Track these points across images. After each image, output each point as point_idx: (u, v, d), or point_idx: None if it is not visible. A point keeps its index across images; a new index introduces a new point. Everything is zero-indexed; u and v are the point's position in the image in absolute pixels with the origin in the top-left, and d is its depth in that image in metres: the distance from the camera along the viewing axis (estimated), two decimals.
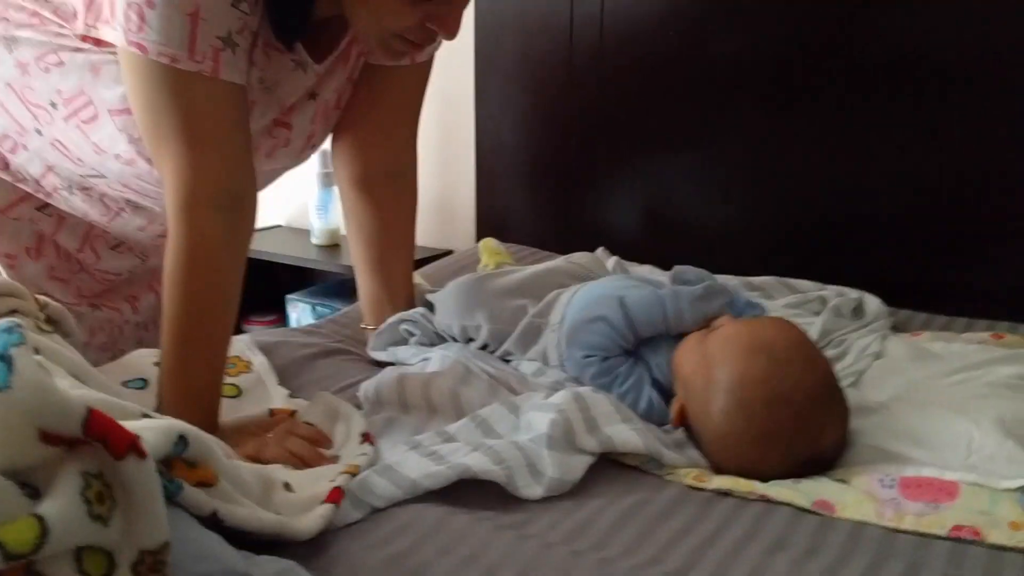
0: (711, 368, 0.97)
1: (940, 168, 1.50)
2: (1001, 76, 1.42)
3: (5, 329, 0.50)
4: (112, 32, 0.93)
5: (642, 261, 1.65)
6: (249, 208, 1.02)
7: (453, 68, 1.91)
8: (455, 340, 1.25)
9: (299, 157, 1.22)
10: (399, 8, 0.94)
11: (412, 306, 1.32)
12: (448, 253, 2.01)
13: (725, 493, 0.89)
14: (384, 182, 1.30)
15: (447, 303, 1.25)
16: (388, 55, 1.07)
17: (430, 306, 1.29)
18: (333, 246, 2.16)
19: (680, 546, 0.79)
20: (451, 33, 0.98)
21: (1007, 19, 1.41)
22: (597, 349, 1.08)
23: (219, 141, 0.97)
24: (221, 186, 0.97)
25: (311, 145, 1.21)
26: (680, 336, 1.07)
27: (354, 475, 0.87)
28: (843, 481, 0.90)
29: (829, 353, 1.21)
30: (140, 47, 0.90)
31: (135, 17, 0.89)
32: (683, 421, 1.01)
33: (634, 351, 1.10)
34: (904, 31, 1.49)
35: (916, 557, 0.77)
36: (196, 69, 0.92)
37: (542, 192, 1.96)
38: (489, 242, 1.67)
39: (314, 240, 2.18)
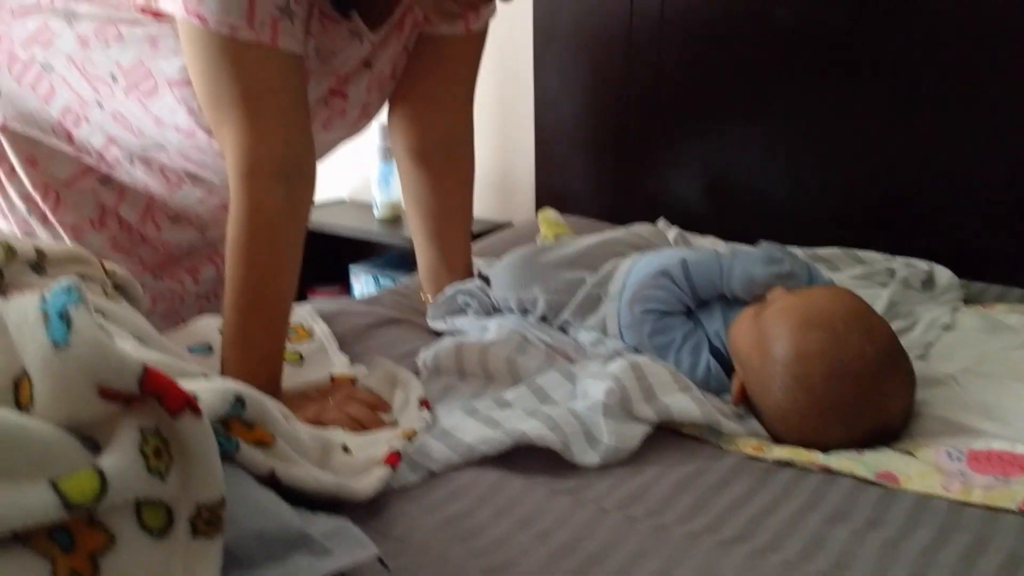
0: (768, 344, 0.94)
1: (1012, 135, 1.44)
2: None
3: (65, 289, 0.51)
4: (171, 3, 0.94)
5: (704, 233, 1.63)
6: (309, 177, 1.03)
7: (511, 41, 1.90)
8: (512, 312, 1.25)
9: (355, 127, 1.22)
10: None
11: (470, 276, 1.33)
12: (507, 226, 2.01)
13: (785, 463, 0.88)
14: (440, 153, 1.30)
15: (503, 277, 1.25)
16: (443, 16, 1.06)
17: (486, 280, 1.30)
18: (395, 219, 2.18)
19: (737, 515, 0.78)
20: None
21: None
22: (656, 302, 1.07)
23: (279, 111, 0.97)
24: (281, 155, 0.97)
25: (367, 115, 1.22)
26: (740, 306, 1.05)
27: (411, 439, 0.88)
28: (909, 453, 0.87)
29: (897, 324, 1.18)
30: (200, 17, 0.91)
31: None
32: (744, 399, 0.99)
33: (694, 315, 1.08)
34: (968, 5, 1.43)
35: (983, 531, 0.74)
36: (255, 39, 0.92)
37: (601, 164, 1.94)
38: (548, 212, 1.66)
39: (376, 213, 2.20)
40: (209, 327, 1.15)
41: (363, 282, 2.18)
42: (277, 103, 0.97)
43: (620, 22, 1.80)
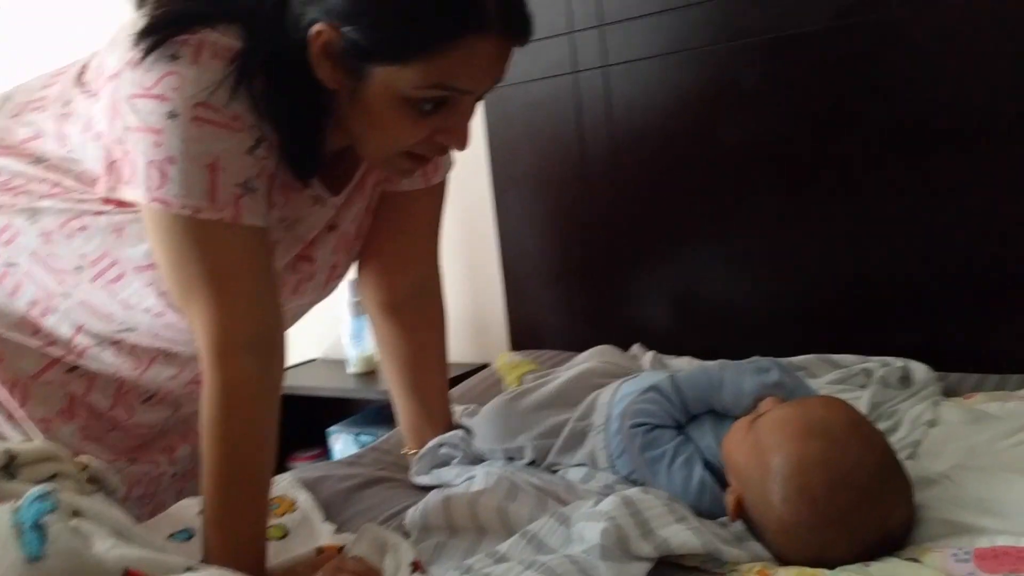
0: (765, 455, 0.93)
1: (965, 225, 1.48)
2: (1008, 125, 1.42)
3: (37, 497, 0.50)
4: (134, 191, 0.95)
5: (679, 353, 1.64)
6: (280, 349, 1.02)
7: (470, 183, 1.95)
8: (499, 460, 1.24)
9: (325, 289, 1.23)
10: (405, 124, 0.95)
11: (451, 427, 1.31)
12: (484, 367, 2.01)
13: None
14: (412, 304, 1.31)
15: (485, 429, 1.25)
16: (398, 173, 1.08)
17: (467, 431, 1.29)
18: (370, 373, 2.17)
19: None
20: (461, 144, 0.99)
21: (1006, 73, 1.41)
22: (646, 416, 1.07)
23: (247, 285, 0.98)
24: (252, 330, 0.97)
25: (335, 276, 1.23)
26: (729, 420, 1.05)
27: None
28: (915, 560, 0.85)
29: (881, 426, 1.18)
30: (163, 202, 0.92)
31: (157, 174, 0.92)
32: (741, 513, 0.97)
33: (683, 430, 1.07)
34: (906, 98, 1.50)
35: None
36: (218, 217, 0.94)
37: (571, 296, 1.96)
38: (506, 357, 1.65)
39: (350, 369, 2.19)
40: (189, 511, 1.12)
41: (342, 441, 2.15)
42: (245, 279, 0.98)
43: (573, 156, 1.86)
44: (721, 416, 1.08)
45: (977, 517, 0.88)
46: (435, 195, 1.28)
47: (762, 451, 0.94)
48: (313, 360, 2.38)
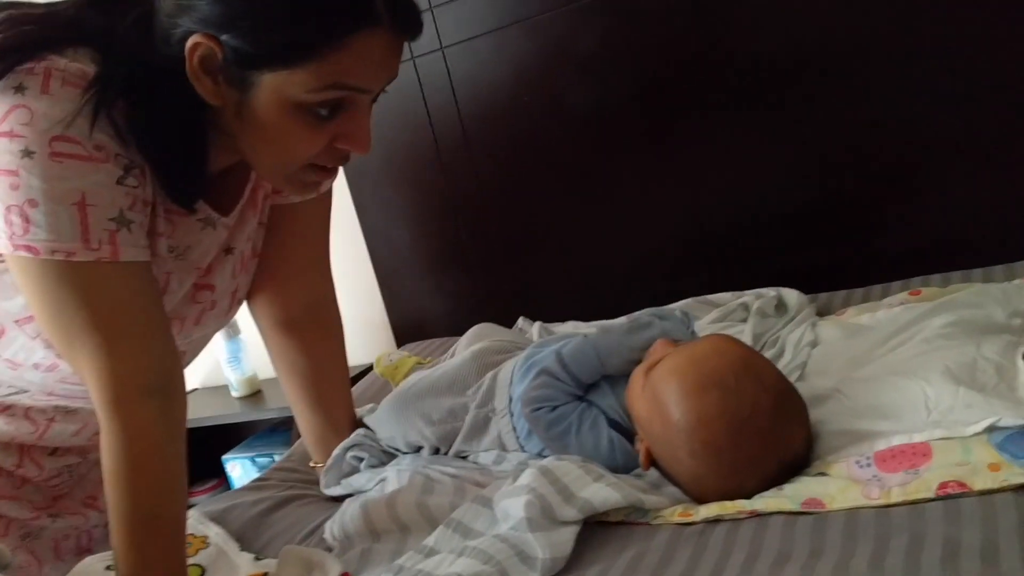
0: (665, 410, 0.95)
1: (810, 146, 1.55)
2: (855, 60, 1.48)
3: None
4: None
5: (563, 318, 1.65)
6: (179, 388, 0.96)
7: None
8: (404, 453, 1.23)
9: (227, 316, 1.16)
10: (302, 132, 0.88)
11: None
12: (372, 367, 1.98)
13: (715, 520, 0.88)
14: (307, 318, 1.27)
15: (384, 421, 1.23)
16: (301, 188, 0.99)
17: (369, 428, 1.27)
18: (254, 394, 2.11)
19: None
20: (364, 147, 0.92)
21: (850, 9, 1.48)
22: (544, 401, 1.07)
23: (135, 326, 0.91)
24: (148, 373, 0.90)
25: (236, 300, 1.17)
26: (625, 377, 1.07)
27: None
28: (823, 474, 0.90)
29: (767, 354, 1.22)
30: (30, 249, 0.85)
31: (18, 220, 0.84)
32: (653, 463, 0.99)
33: (583, 398, 1.09)
34: (752, 39, 1.54)
35: (916, 527, 0.77)
36: (95, 258, 0.86)
37: (447, 282, 1.96)
38: (381, 361, 1.60)
39: (234, 393, 2.12)
40: (93, 568, 1.06)
41: (240, 467, 2.08)
42: (131, 318, 0.90)
43: (426, 142, 1.85)
44: (617, 376, 1.10)
45: (872, 423, 0.93)
46: (323, 204, 1.23)
47: (661, 405, 0.96)
48: (195, 390, 2.29)
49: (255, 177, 1.08)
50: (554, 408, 1.07)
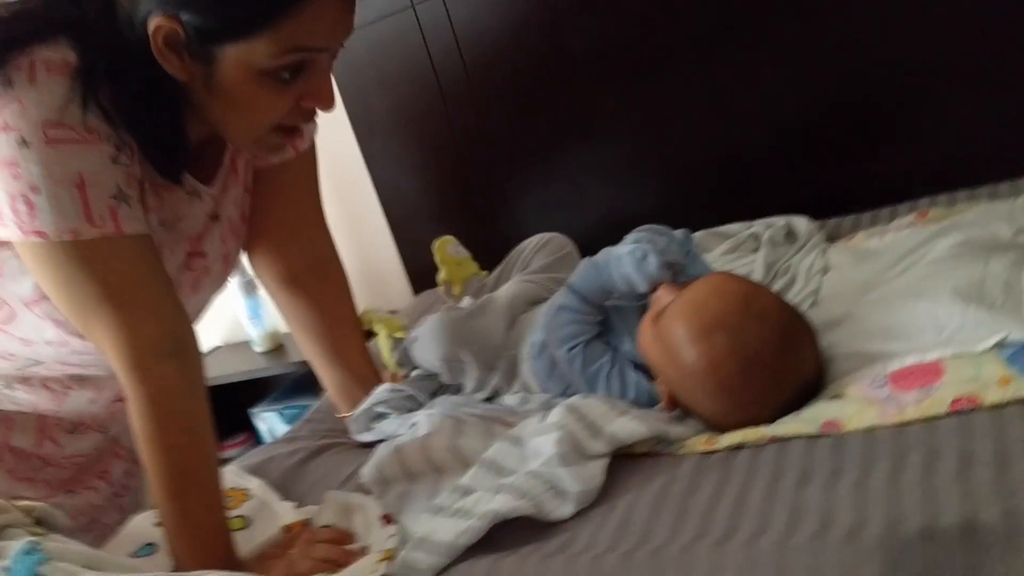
0: (677, 357, 0.99)
1: (815, 78, 1.55)
2: None
3: (25, 551, 0.50)
4: (4, 230, 0.91)
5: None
6: (193, 346, 1.01)
7: (334, 140, 1.92)
8: (438, 379, 1.28)
9: (222, 280, 1.21)
10: (269, 97, 0.93)
11: (378, 382, 1.32)
12: (394, 314, 2.02)
13: (738, 447, 0.92)
14: (311, 274, 1.30)
15: (428, 342, 1.26)
16: (270, 151, 1.05)
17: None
18: (276, 348, 2.15)
19: (717, 512, 0.82)
20: (328, 103, 0.97)
21: None
22: (572, 338, 1.11)
23: (145, 294, 0.96)
24: (161, 335, 0.96)
25: (229, 264, 1.21)
26: (633, 314, 1.11)
27: (391, 559, 0.88)
28: (839, 396, 0.93)
29: (779, 283, 1.25)
30: (40, 234, 0.89)
31: (23, 207, 0.88)
32: (674, 403, 1.03)
33: (607, 335, 1.12)
34: None
35: (931, 443, 0.80)
36: (100, 234, 0.91)
37: (459, 227, 1.97)
38: (444, 247, 1.55)
39: (256, 348, 2.16)
40: (144, 525, 1.11)
41: (268, 420, 2.13)
42: (140, 287, 0.96)
43: (430, 90, 1.85)
44: (625, 313, 1.13)
45: (884, 344, 0.96)
46: (307, 161, 1.26)
47: (672, 352, 0.99)
48: (217, 348, 2.34)
49: (232, 146, 1.11)
50: (586, 345, 1.10)
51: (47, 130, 0.87)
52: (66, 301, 0.95)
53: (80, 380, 1.15)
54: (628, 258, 1.11)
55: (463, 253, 1.55)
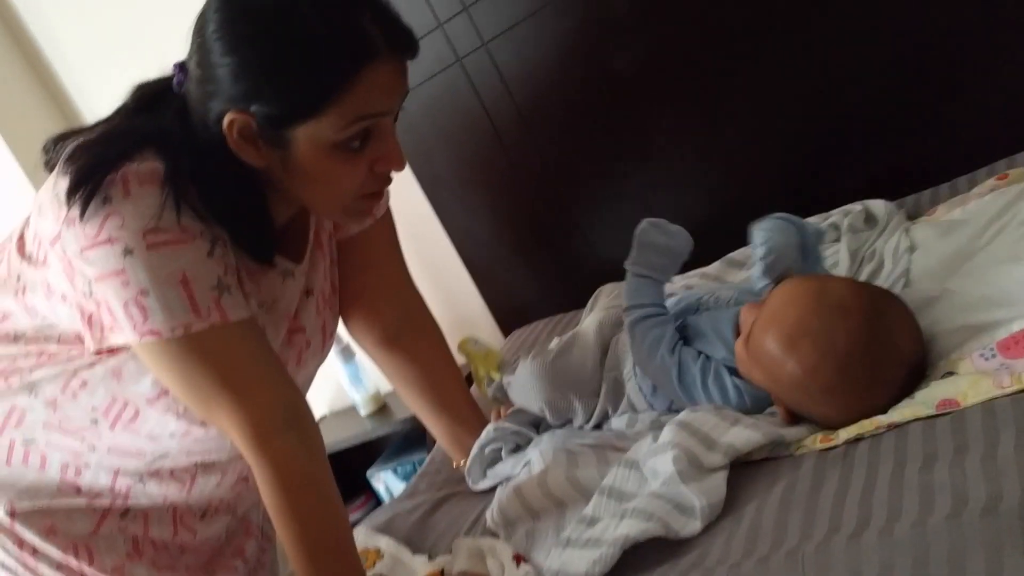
0: (774, 372, 1.00)
1: (872, 57, 1.54)
2: None
3: None
4: (121, 336, 0.96)
5: None
6: (308, 415, 1.05)
7: (405, 199, 1.97)
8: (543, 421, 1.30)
9: (324, 351, 1.25)
10: (344, 167, 0.98)
11: (486, 425, 1.35)
12: None
13: (856, 440, 0.92)
14: (406, 331, 1.35)
15: (527, 388, 1.29)
16: (356, 219, 1.12)
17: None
18: (381, 409, 2.20)
19: (846, 506, 0.82)
20: (399, 162, 1.02)
21: None
22: (657, 343, 1.13)
23: (255, 372, 1.01)
24: (280, 410, 1.00)
25: (329, 335, 1.25)
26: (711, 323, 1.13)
27: None
28: (951, 373, 0.92)
29: (866, 269, 1.25)
30: (154, 333, 0.94)
31: (137, 311, 0.94)
32: (793, 417, 1.03)
33: (697, 341, 1.14)
34: None
35: None
36: (208, 325, 0.96)
37: (534, 262, 2.01)
38: (467, 346, 1.54)
39: (362, 412, 2.21)
40: None
41: (384, 480, 2.18)
42: (252, 366, 1.00)
43: (487, 136, 1.89)
44: (716, 319, 1.14)
45: (987, 313, 0.95)
46: (386, 224, 1.31)
47: (770, 370, 1.00)
48: (324, 417, 2.40)
49: (315, 221, 1.17)
50: (673, 352, 1.12)
51: (147, 236, 0.93)
52: (186, 391, 1.00)
53: (205, 467, 1.20)
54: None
55: (485, 346, 1.57)
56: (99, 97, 2.31)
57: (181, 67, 0.99)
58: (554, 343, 1.40)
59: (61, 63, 2.32)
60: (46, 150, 1.02)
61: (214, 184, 0.98)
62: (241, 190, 1.00)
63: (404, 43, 0.96)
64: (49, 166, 1.01)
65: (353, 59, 0.92)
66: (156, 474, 1.17)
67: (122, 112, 1.03)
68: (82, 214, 0.91)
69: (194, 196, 0.96)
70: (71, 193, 0.92)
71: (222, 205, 0.99)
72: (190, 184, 0.96)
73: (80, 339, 1.02)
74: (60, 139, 1.01)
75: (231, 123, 0.93)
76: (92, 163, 0.94)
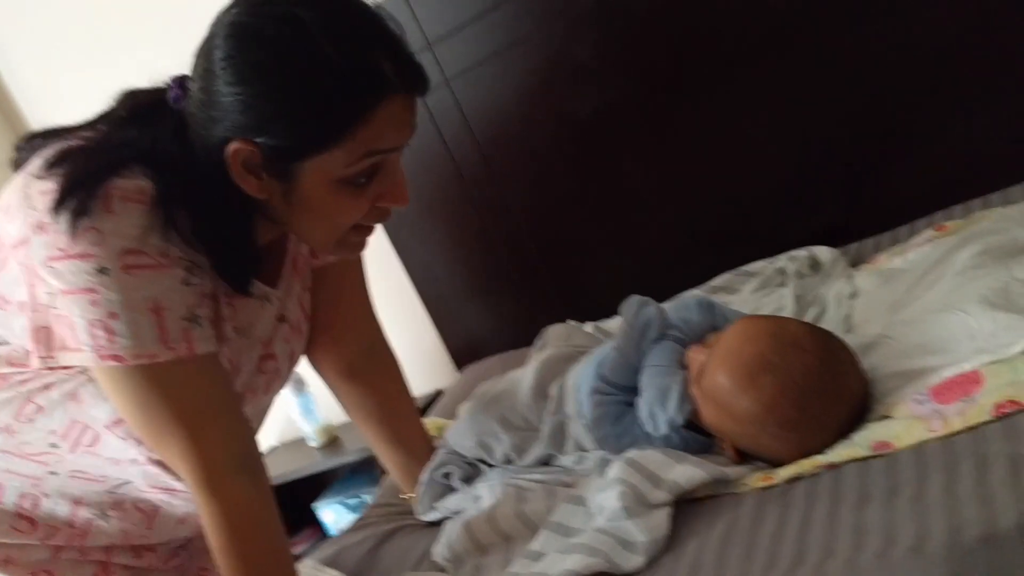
0: (729, 410, 1.01)
1: (819, 111, 1.60)
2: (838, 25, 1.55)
3: None
4: (78, 356, 0.93)
5: (610, 313, 1.72)
6: (259, 459, 1.05)
7: None
8: (478, 459, 1.31)
9: (287, 379, 1.24)
10: (348, 202, 0.95)
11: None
12: (439, 393, 2.06)
13: (795, 479, 0.94)
14: (367, 363, 1.35)
15: (463, 431, 1.31)
16: (347, 250, 1.06)
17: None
18: (332, 441, 2.19)
19: (783, 542, 0.85)
20: (404, 199, 0.99)
21: None
22: (604, 420, 1.14)
23: (215, 412, 0.99)
24: (233, 452, 0.99)
25: (294, 362, 1.24)
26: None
27: None
28: (886, 417, 0.96)
29: (810, 313, 1.29)
30: (117, 358, 0.92)
31: (102, 333, 0.91)
32: (742, 456, 1.05)
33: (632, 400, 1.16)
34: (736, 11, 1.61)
35: (979, 450, 0.83)
36: (174, 356, 0.94)
37: (493, 299, 2.03)
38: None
39: (312, 444, 2.20)
40: None
41: (332, 512, 2.17)
42: (209, 406, 0.99)
43: (448, 173, 1.91)
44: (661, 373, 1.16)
45: (922, 360, 0.99)
46: (358, 259, 1.32)
47: (725, 408, 1.02)
48: (274, 448, 2.38)
49: (292, 247, 1.16)
50: (616, 421, 1.13)
51: (125, 257, 0.90)
52: (139, 420, 0.98)
53: (170, 493, 1.17)
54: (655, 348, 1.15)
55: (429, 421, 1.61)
56: (43, 97, 2.22)
57: (180, 84, 0.95)
58: (487, 384, 1.41)
59: (3, 62, 2.25)
60: (18, 148, 0.98)
61: (205, 210, 0.95)
62: (232, 218, 0.98)
63: (417, 80, 0.94)
64: (16, 164, 0.98)
65: (369, 94, 0.89)
66: (118, 505, 1.13)
67: (112, 120, 0.98)
68: (72, 225, 0.88)
69: (183, 221, 0.94)
70: (59, 201, 0.88)
71: (211, 232, 0.96)
72: (180, 207, 0.93)
73: (29, 356, 0.97)
74: (33, 138, 0.98)
75: (235, 152, 0.90)
76: (83, 172, 0.91)
